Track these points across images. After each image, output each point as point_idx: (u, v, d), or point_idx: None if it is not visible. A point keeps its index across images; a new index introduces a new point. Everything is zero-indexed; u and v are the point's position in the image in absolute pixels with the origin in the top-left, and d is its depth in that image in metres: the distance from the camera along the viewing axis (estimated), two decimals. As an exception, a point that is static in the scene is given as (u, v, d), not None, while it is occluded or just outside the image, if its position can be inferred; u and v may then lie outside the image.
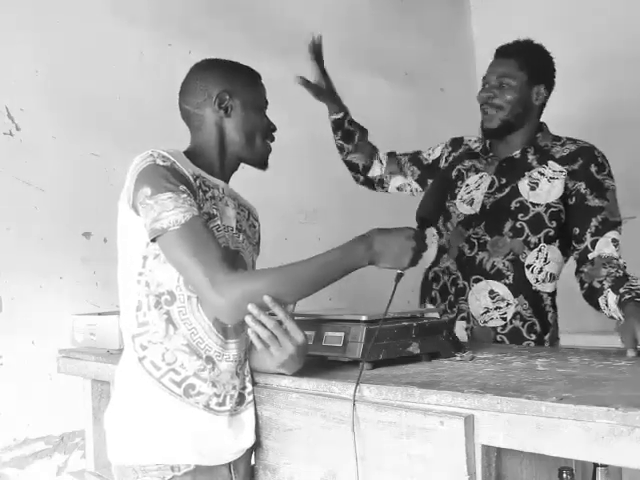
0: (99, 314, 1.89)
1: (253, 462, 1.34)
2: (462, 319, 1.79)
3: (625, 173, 2.96)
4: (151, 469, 1.20)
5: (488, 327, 1.76)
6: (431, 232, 1.94)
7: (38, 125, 2.13)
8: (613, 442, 0.84)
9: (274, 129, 1.40)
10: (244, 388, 1.30)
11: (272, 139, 1.40)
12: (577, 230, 1.71)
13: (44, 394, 2.06)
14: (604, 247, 1.65)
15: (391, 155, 2.06)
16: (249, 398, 1.30)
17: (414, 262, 1.26)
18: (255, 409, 1.30)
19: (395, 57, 3.30)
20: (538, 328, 1.76)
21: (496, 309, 1.76)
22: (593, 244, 1.66)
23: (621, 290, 1.50)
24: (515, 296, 1.75)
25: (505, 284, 1.75)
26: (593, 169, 1.71)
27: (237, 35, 2.62)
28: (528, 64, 1.75)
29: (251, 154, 1.36)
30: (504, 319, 1.75)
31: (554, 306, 1.82)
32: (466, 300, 1.79)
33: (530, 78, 1.75)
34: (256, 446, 1.31)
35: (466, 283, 1.80)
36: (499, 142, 1.84)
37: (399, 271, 1.28)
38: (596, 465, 1.09)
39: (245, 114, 1.34)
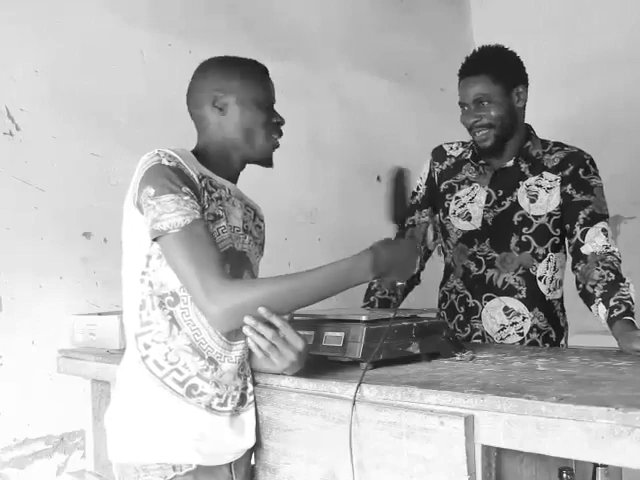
0: (99, 314, 1.89)
1: (253, 462, 1.34)
2: (477, 338, 1.79)
3: (624, 173, 2.98)
4: (153, 468, 1.20)
5: (505, 345, 1.75)
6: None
7: (38, 125, 2.13)
8: (613, 442, 0.84)
9: (280, 122, 1.35)
10: (245, 388, 1.30)
11: (279, 134, 1.36)
12: (568, 226, 1.72)
13: (44, 394, 2.06)
14: (595, 237, 1.64)
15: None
16: (250, 398, 1.30)
17: (412, 273, 1.28)
18: (255, 409, 1.30)
19: (395, 57, 3.30)
20: (553, 335, 1.77)
21: (512, 325, 1.76)
22: (583, 235, 1.66)
23: (611, 302, 1.49)
24: (530, 310, 1.75)
25: (519, 299, 1.75)
26: (580, 171, 1.72)
27: (237, 35, 2.62)
28: (500, 75, 1.69)
29: (252, 151, 1.33)
30: (521, 334, 1.75)
31: (563, 309, 1.83)
32: (479, 319, 1.78)
33: (505, 87, 1.70)
34: (256, 446, 1.31)
35: (477, 302, 1.79)
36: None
37: (399, 283, 1.28)
38: (596, 465, 1.09)
39: (241, 110, 1.31)
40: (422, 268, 1.96)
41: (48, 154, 2.14)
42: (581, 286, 1.63)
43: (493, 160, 1.81)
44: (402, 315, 1.37)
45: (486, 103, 1.70)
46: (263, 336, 1.14)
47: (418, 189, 1.94)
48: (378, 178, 3.16)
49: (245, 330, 1.14)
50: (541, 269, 1.75)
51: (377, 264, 1.20)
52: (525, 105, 1.77)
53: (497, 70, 1.70)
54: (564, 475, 1.08)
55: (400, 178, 1.42)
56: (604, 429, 0.85)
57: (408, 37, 3.37)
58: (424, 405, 1.04)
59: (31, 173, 2.10)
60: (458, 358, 1.37)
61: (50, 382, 2.06)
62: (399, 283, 1.28)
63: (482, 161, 1.83)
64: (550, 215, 1.74)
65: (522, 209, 1.75)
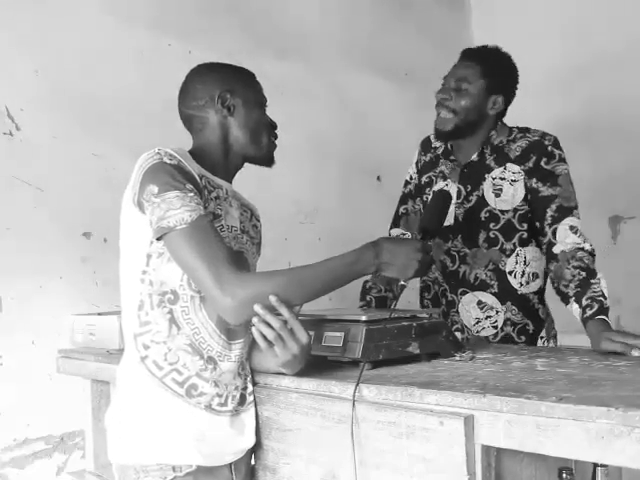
0: (99, 314, 1.89)
1: (253, 462, 1.34)
2: (456, 330, 1.81)
3: (624, 173, 2.98)
4: (153, 469, 1.20)
5: (483, 336, 1.79)
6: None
7: (38, 125, 2.13)
8: (613, 442, 0.84)
9: (275, 126, 1.41)
10: (245, 388, 1.30)
11: (275, 136, 1.41)
12: (538, 224, 1.73)
13: (44, 394, 2.06)
14: (564, 237, 1.64)
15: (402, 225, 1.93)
16: (250, 399, 1.30)
17: (418, 274, 1.27)
18: (255, 409, 1.30)
19: (395, 57, 3.30)
20: (531, 328, 1.78)
21: (487, 318, 1.79)
22: (554, 234, 1.67)
23: (583, 302, 1.50)
24: (502, 303, 1.77)
25: (491, 293, 1.78)
26: (543, 162, 1.72)
27: (237, 35, 2.62)
28: (489, 72, 1.73)
29: (257, 151, 1.37)
30: (495, 327, 1.78)
31: (542, 301, 1.83)
32: (457, 312, 1.82)
33: (489, 86, 1.73)
34: (256, 446, 1.31)
35: (454, 296, 1.82)
36: (456, 147, 1.84)
37: (402, 282, 1.28)
38: (596, 465, 1.09)
39: (248, 111, 1.34)
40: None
41: (48, 154, 2.14)
42: (555, 285, 1.64)
43: (459, 154, 1.83)
44: (402, 315, 1.37)
45: (464, 90, 1.73)
46: (270, 326, 1.15)
47: (411, 178, 1.98)
48: (378, 178, 3.16)
49: (253, 319, 1.15)
50: (510, 264, 1.76)
51: (379, 257, 1.23)
52: (500, 116, 1.80)
53: (491, 69, 1.74)
54: (564, 475, 1.08)
55: (447, 196, 1.51)
56: (604, 429, 0.85)
57: (408, 37, 3.37)
58: (424, 405, 1.04)
59: (31, 173, 2.10)
60: (458, 358, 1.38)
61: (50, 382, 2.06)
62: (402, 282, 1.28)
63: (452, 157, 1.85)
64: (515, 210, 1.74)
65: (488, 205, 1.76)
